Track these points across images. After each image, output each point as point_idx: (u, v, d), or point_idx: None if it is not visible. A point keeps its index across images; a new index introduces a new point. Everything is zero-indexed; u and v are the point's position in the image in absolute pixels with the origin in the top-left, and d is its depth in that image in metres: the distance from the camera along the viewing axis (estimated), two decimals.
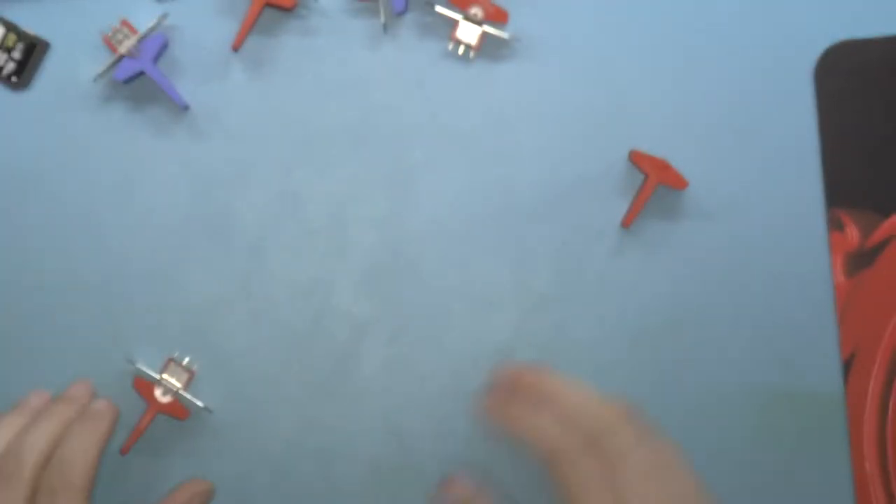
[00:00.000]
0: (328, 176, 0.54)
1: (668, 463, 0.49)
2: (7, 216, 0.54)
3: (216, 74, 0.54)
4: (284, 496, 0.53)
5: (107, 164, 0.54)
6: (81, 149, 0.54)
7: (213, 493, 0.53)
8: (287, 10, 0.53)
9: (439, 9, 0.53)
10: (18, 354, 0.53)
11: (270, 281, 0.54)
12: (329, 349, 0.53)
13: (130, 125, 0.54)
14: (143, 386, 0.52)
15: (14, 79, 0.54)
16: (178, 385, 0.52)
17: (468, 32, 0.53)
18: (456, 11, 0.53)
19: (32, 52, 0.54)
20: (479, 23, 0.53)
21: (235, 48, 0.53)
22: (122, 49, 0.52)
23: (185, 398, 0.52)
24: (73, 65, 0.54)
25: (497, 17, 0.53)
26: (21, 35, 0.54)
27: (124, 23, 0.52)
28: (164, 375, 0.52)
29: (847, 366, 0.53)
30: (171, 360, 0.52)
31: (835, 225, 0.53)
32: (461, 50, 0.54)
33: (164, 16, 0.53)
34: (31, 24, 0.54)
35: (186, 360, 0.52)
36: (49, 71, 0.54)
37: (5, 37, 0.53)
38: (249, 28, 0.53)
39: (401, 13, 0.53)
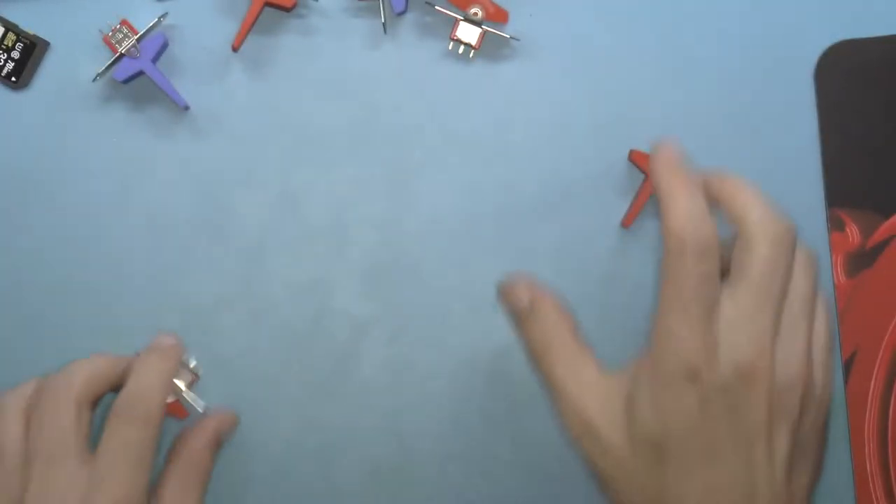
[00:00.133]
0: (328, 176, 0.54)
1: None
2: (6, 216, 0.54)
3: (216, 74, 0.54)
4: (284, 496, 0.53)
5: (106, 164, 0.54)
6: (81, 149, 0.54)
7: (237, 422, 0.53)
8: (287, 10, 0.53)
9: (439, 8, 0.53)
10: (18, 355, 0.53)
11: (270, 281, 0.53)
12: (329, 349, 0.53)
13: (130, 125, 0.54)
14: None
15: (13, 79, 0.54)
16: (182, 387, 0.52)
17: (468, 32, 0.53)
18: (456, 11, 0.53)
19: (32, 51, 0.54)
20: (479, 23, 0.53)
21: (235, 48, 0.53)
22: (122, 49, 0.52)
23: (186, 401, 0.52)
24: (73, 65, 0.54)
25: (497, 17, 0.53)
26: (20, 35, 0.53)
27: (124, 22, 0.52)
28: None
29: (847, 366, 0.53)
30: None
31: (835, 225, 0.53)
32: (461, 50, 0.54)
33: (164, 15, 0.53)
34: (31, 24, 0.54)
35: (193, 363, 0.52)
36: (49, 71, 0.54)
37: (4, 36, 0.53)
38: (249, 28, 0.53)
39: (401, 13, 0.53)
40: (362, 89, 0.54)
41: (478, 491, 0.53)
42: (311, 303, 0.53)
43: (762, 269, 0.46)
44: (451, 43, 0.54)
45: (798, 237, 0.47)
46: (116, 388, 0.49)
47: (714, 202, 0.47)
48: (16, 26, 0.54)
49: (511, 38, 0.54)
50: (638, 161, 0.53)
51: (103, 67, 0.53)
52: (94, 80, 0.53)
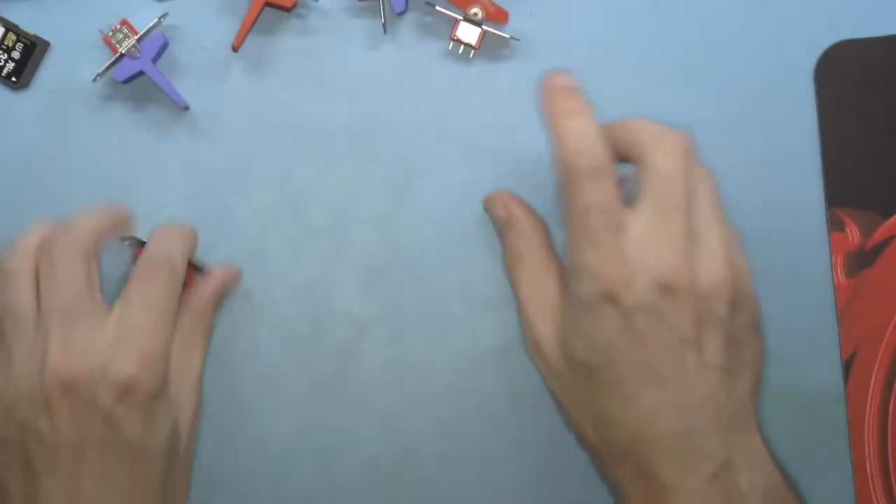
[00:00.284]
0: (328, 176, 0.54)
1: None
2: (6, 216, 0.54)
3: (216, 74, 0.54)
4: (284, 496, 0.53)
5: (106, 164, 0.54)
6: (81, 149, 0.53)
7: (239, 277, 0.53)
8: (287, 10, 0.53)
9: (439, 8, 0.53)
10: None
11: (270, 281, 0.53)
12: (329, 349, 0.53)
13: (130, 125, 0.54)
14: None
15: (13, 79, 0.54)
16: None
17: (468, 32, 0.53)
18: (456, 11, 0.53)
19: (32, 51, 0.54)
20: (479, 23, 0.53)
21: (235, 48, 0.53)
22: (122, 49, 0.52)
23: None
24: (73, 65, 0.54)
25: (497, 17, 0.53)
26: (20, 35, 0.53)
27: (124, 22, 0.52)
28: None
29: (847, 366, 0.53)
30: None
31: (835, 225, 0.53)
32: (461, 50, 0.54)
33: (164, 15, 0.53)
34: (31, 24, 0.54)
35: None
36: (49, 71, 0.54)
37: (5, 36, 0.53)
38: (249, 28, 0.53)
39: (401, 13, 0.53)
40: (362, 89, 0.54)
41: (477, 491, 0.53)
42: (311, 303, 0.53)
43: (663, 180, 0.46)
44: (451, 43, 0.54)
45: (694, 148, 0.47)
46: (117, 236, 0.50)
47: (614, 149, 0.47)
48: (16, 26, 0.54)
49: (511, 38, 0.54)
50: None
51: (103, 67, 0.53)
52: (95, 80, 0.53)
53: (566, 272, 0.48)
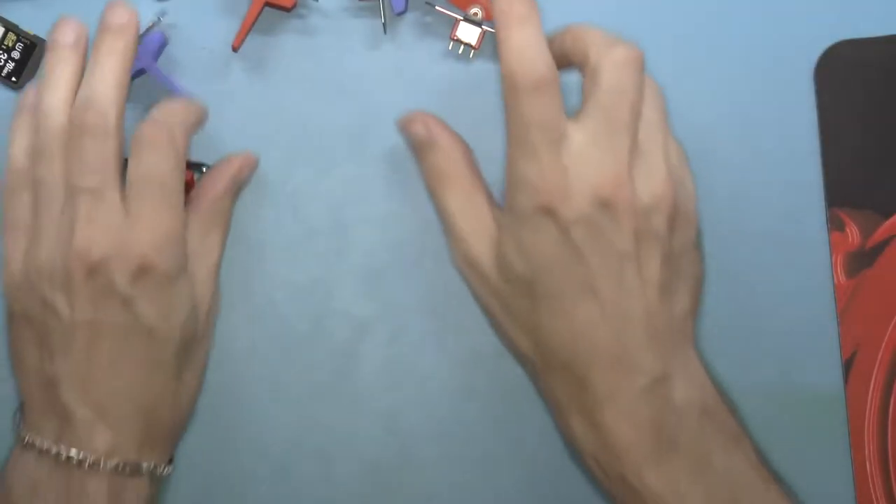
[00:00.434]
0: (328, 176, 0.54)
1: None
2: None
3: (216, 74, 0.54)
4: (284, 496, 0.53)
5: None
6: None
7: (255, 164, 0.53)
8: (287, 10, 0.53)
9: (439, 8, 0.53)
10: None
11: (270, 281, 0.53)
12: (329, 349, 0.53)
13: (130, 125, 0.54)
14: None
15: (13, 79, 0.54)
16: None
17: (468, 32, 0.53)
18: (456, 11, 0.53)
19: (32, 51, 0.54)
20: (479, 23, 0.53)
21: (235, 48, 0.53)
22: None
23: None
24: None
25: None
26: (20, 35, 0.53)
27: None
28: None
29: (847, 366, 0.53)
30: None
31: (835, 225, 0.53)
32: (461, 50, 0.54)
33: (163, 13, 0.53)
34: (31, 24, 0.54)
35: None
36: None
37: (5, 36, 0.53)
38: (249, 28, 0.53)
39: (401, 13, 0.53)
40: (362, 89, 0.54)
41: (477, 491, 0.53)
42: (311, 303, 0.53)
43: (609, 94, 0.46)
44: (451, 43, 0.54)
45: (643, 61, 0.47)
46: None
47: (562, 58, 0.47)
48: (16, 26, 0.54)
49: None
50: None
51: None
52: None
53: (489, 192, 0.49)
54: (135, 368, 0.47)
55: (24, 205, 0.48)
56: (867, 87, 0.54)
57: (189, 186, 0.51)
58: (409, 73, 0.54)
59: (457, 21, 0.53)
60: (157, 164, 0.47)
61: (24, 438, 0.47)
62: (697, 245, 0.49)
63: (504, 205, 0.48)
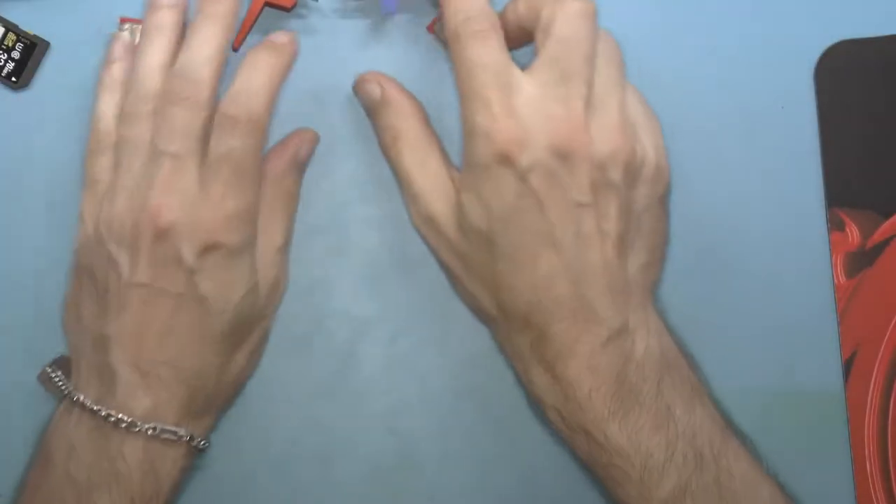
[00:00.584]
0: (328, 176, 0.54)
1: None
2: (6, 216, 0.54)
3: None
4: (284, 496, 0.53)
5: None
6: (81, 149, 0.53)
7: (316, 138, 0.53)
8: (287, 10, 0.53)
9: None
10: (16, 355, 0.53)
11: None
12: (329, 349, 0.53)
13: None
14: None
15: (13, 79, 0.54)
16: None
17: None
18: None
19: (32, 51, 0.54)
20: None
21: (235, 48, 0.53)
22: None
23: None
24: (73, 65, 0.54)
25: None
26: (20, 35, 0.53)
27: (124, 19, 0.52)
28: None
29: (847, 366, 0.53)
30: None
31: (835, 225, 0.53)
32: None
33: None
34: (31, 24, 0.54)
35: None
36: (49, 71, 0.54)
37: (5, 36, 0.53)
38: (249, 28, 0.53)
39: (388, 14, 0.53)
40: None
41: (477, 491, 0.53)
42: (311, 303, 0.53)
43: (562, 44, 0.46)
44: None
45: (596, 13, 0.47)
46: None
47: (518, 29, 0.48)
48: (16, 26, 0.54)
49: None
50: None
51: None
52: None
53: (444, 152, 0.50)
54: (183, 339, 0.47)
55: (106, 164, 0.49)
56: (867, 87, 0.54)
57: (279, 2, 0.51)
58: (409, 72, 0.54)
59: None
60: (234, 147, 0.47)
61: (69, 395, 0.48)
62: (663, 200, 0.49)
63: (462, 163, 0.48)
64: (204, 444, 0.49)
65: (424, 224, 0.50)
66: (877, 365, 0.53)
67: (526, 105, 0.45)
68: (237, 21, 0.49)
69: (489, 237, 0.47)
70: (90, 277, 0.49)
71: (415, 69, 0.54)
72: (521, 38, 0.49)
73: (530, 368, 0.48)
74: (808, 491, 0.50)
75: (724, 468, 0.46)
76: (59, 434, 0.48)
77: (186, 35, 0.49)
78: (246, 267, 0.48)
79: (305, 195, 0.54)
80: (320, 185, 0.54)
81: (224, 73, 0.49)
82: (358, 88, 0.53)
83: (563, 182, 0.45)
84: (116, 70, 0.51)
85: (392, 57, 0.54)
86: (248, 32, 0.53)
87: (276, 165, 0.51)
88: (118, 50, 0.51)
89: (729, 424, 0.48)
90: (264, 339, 0.52)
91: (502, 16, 0.49)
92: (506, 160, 0.45)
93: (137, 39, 0.51)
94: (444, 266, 0.51)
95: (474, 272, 0.49)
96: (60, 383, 0.49)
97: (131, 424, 0.46)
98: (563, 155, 0.45)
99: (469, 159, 0.47)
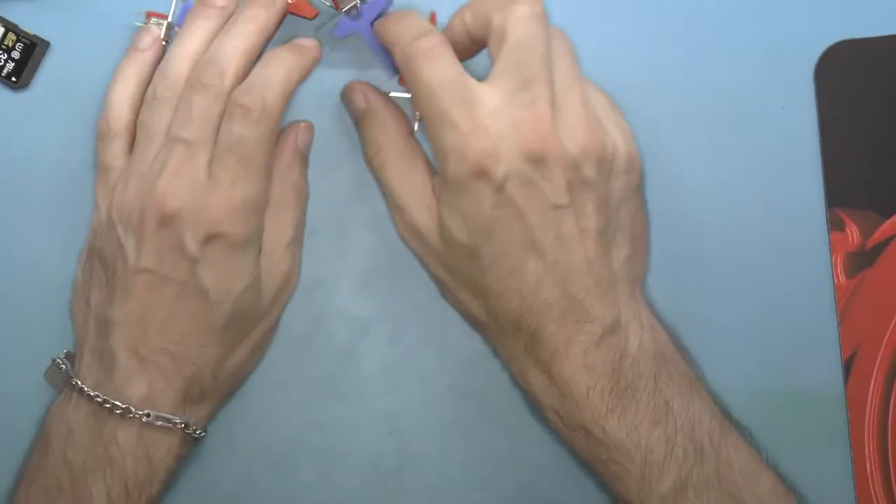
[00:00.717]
0: (328, 176, 0.54)
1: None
2: (6, 216, 0.54)
3: None
4: (284, 496, 0.53)
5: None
6: (81, 149, 0.53)
7: (312, 127, 0.53)
8: (309, 20, 0.52)
9: (394, 94, 0.53)
10: (18, 356, 0.53)
11: None
12: (329, 349, 0.53)
13: None
14: None
15: (13, 79, 0.54)
16: None
17: None
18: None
19: (32, 51, 0.54)
20: None
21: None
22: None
23: None
24: (73, 65, 0.54)
25: None
26: (20, 35, 0.53)
27: (150, 14, 0.52)
28: None
29: (847, 366, 0.53)
30: None
31: (835, 225, 0.53)
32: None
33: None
34: (31, 24, 0.54)
35: None
36: (49, 71, 0.54)
37: (5, 36, 0.53)
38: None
39: (342, 36, 0.52)
40: None
41: (477, 491, 0.53)
42: (311, 303, 0.53)
43: (518, 48, 0.46)
44: (416, 123, 0.52)
45: (545, 14, 0.47)
46: None
47: (469, 40, 0.48)
48: (16, 26, 0.54)
49: None
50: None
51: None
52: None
53: (430, 162, 0.50)
54: (184, 327, 0.47)
55: (118, 151, 0.49)
56: (867, 87, 0.54)
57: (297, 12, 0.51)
58: None
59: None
60: (244, 136, 0.47)
61: (70, 380, 0.48)
62: (637, 190, 0.49)
63: (438, 181, 0.48)
64: (200, 432, 0.49)
65: (410, 235, 0.50)
66: (877, 365, 0.53)
67: (491, 116, 0.45)
68: (273, 31, 0.49)
69: (472, 250, 0.47)
70: (100, 261, 0.49)
71: None
72: (471, 49, 0.49)
73: (526, 371, 0.48)
74: (808, 491, 0.50)
75: (724, 460, 0.46)
76: (58, 418, 0.48)
77: (223, 28, 0.49)
78: (249, 260, 0.48)
79: None
80: (320, 185, 0.54)
81: None
82: (344, 98, 0.53)
83: (539, 187, 0.45)
84: (139, 59, 0.51)
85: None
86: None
87: (281, 160, 0.51)
88: (146, 40, 0.51)
89: (727, 416, 0.48)
90: (269, 334, 0.52)
91: (450, 29, 0.49)
92: (481, 174, 0.45)
93: (163, 34, 0.52)
94: (432, 275, 0.51)
95: (462, 281, 0.49)
96: (64, 368, 0.50)
97: (126, 411, 0.47)
98: (537, 160, 0.45)
99: (443, 177, 0.47)
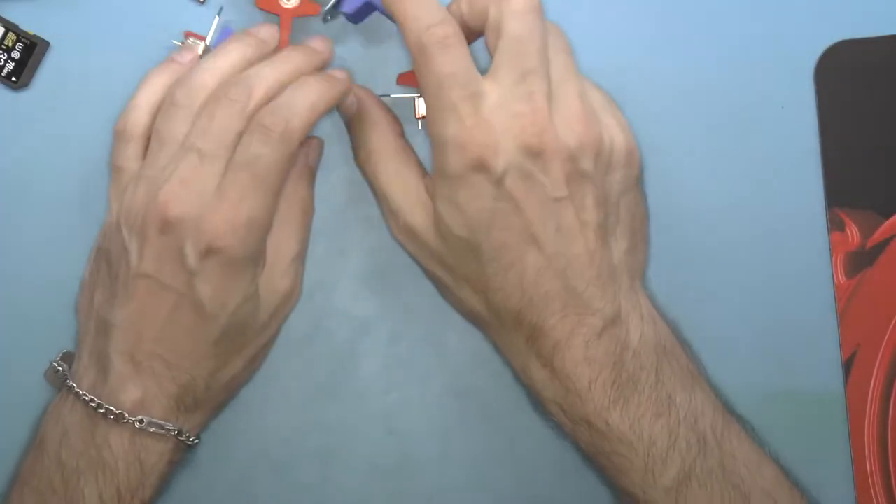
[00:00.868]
0: (328, 177, 0.54)
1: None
2: (6, 216, 0.54)
3: None
4: (284, 496, 0.53)
5: (107, 164, 0.53)
6: (81, 149, 0.53)
7: (322, 145, 0.53)
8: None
9: (394, 95, 0.53)
10: (18, 355, 0.53)
11: None
12: (329, 349, 0.53)
13: None
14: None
15: (13, 79, 0.54)
16: None
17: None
18: (409, 91, 0.52)
19: (32, 51, 0.54)
20: None
21: None
22: None
23: None
24: (73, 65, 0.54)
25: None
26: (20, 35, 0.53)
27: (188, 34, 0.52)
28: None
29: (847, 366, 0.53)
30: None
31: (835, 225, 0.53)
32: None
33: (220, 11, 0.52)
34: (31, 24, 0.54)
35: None
36: (49, 71, 0.54)
37: (5, 36, 0.53)
38: (286, 43, 0.52)
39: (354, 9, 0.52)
40: None
41: (477, 491, 0.53)
42: (311, 303, 0.53)
43: (516, 43, 0.46)
44: (420, 122, 0.52)
45: (541, 6, 0.47)
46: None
47: (465, 31, 0.48)
48: (16, 26, 0.54)
49: None
50: (407, 82, 0.52)
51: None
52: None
53: (421, 163, 0.50)
54: (179, 337, 0.47)
55: (132, 154, 0.49)
56: (867, 87, 0.54)
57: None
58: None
59: (414, 99, 0.52)
60: (261, 155, 0.46)
61: (66, 382, 0.48)
62: (636, 182, 0.49)
63: (433, 172, 0.48)
64: (193, 439, 0.49)
65: (405, 237, 0.50)
66: (877, 365, 0.53)
67: (492, 110, 0.46)
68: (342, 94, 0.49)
69: (471, 243, 0.47)
70: (107, 262, 0.49)
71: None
72: (468, 37, 0.49)
73: (528, 365, 0.48)
74: (808, 490, 0.50)
75: (727, 451, 0.46)
76: (54, 419, 0.48)
77: (265, 59, 0.49)
78: (247, 277, 0.48)
79: None
80: (320, 186, 0.54)
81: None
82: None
83: (538, 180, 0.46)
84: (172, 70, 0.50)
85: (392, 58, 0.54)
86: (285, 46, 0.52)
87: (290, 176, 0.51)
88: (187, 56, 0.51)
89: (729, 409, 0.48)
90: (267, 347, 0.52)
91: None
92: (480, 167, 0.46)
93: (200, 53, 0.51)
94: (429, 275, 0.51)
95: (460, 277, 0.49)
96: (60, 370, 0.50)
97: (119, 416, 0.47)
98: (535, 153, 0.45)
99: (441, 169, 0.47)
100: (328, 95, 0.48)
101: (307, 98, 0.47)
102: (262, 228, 0.47)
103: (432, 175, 0.48)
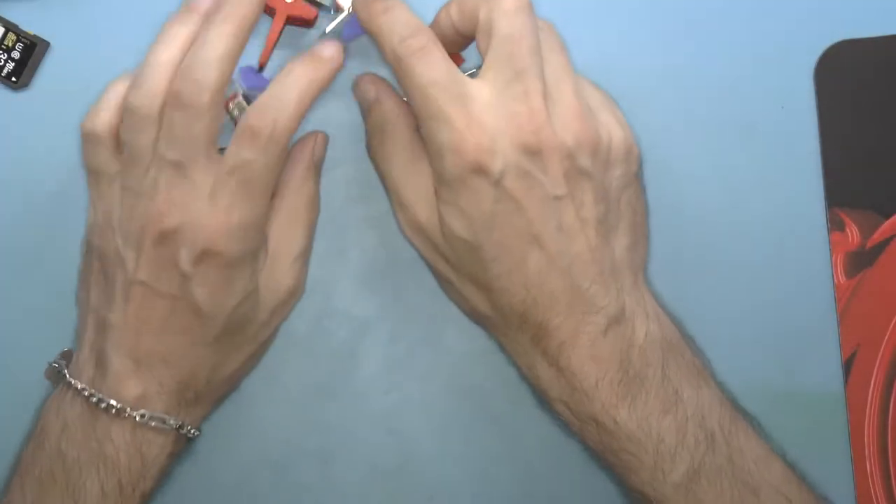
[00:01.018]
0: (328, 176, 0.54)
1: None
2: (5, 216, 0.54)
3: None
4: (284, 496, 0.53)
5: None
6: (81, 149, 0.53)
7: (326, 140, 0.53)
8: (310, 25, 0.52)
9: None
10: (22, 354, 0.53)
11: None
12: (329, 349, 0.53)
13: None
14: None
15: (13, 79, 0.54)
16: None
17: None
18: None
19: (32, 51, 0.54)
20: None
21: (262, 66, 0.52)
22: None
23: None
24: (73, 65, 0.54)
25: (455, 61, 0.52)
26: (20, 35, 0.53)
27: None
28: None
29: (847, 366, 0.53)
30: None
31: (835, 225, 0.53)
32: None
33: None
34: (31, 24, 0.54)
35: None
36: (49, 71, 0.54)
37: (5, 36, 0.53)
38: (274, 45, 0.51)
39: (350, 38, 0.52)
40: None
41: (477, 491, 0.53)
42: (311, 303, 0.53)
43: (507, 42, 0.46)
44: None
45: (532, 5, 0.47)
46: None
47: (457, 36, 0.48)
48: (16, 26, 0.54)
49: None
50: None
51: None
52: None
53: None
54: (177, 338, 0.47)
55: (106, 155, 0.49)
56: (867, 87, 0.54)
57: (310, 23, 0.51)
58: None
59: None
60: (250, 160, 0.46)
61: (66, 376, 0.48)
62: (638, 178, 0.49)
63: (434, 178, 0.48)
64: (194, 432, 0.49)
65: (413, 232, 0.50)
66: (877, 365, 0.53)
67: (486, 111, 0.46)
68: (251, 28, 0.47)
69: (474, 245, 0.47)
70: (99, 260, 0.49)
71: None
72: (459, 43, 0.49)
73: (534, 364, 0.48)
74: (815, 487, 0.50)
75: (735, 448, 0.46)
76: (53, 412, 0.48)
77: (198, 33, 0.47)
78: (244, 276, 0.48)
79: None
80: (320, 185, 0.54)
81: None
82: (355, 89, 0.53)
83: (537, 179, 0.46)
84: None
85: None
86: (272, 49, 0.52)
87: (296, 172, 0.51)
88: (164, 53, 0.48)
89: (736, 405, 0.48)
90: (267, 342, 0.52)
91: (436, 23, 0.49)
92: (479, 170, 0.45)
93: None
94: (434, 272, 0.51)
95: (466, 278, 0.49)
96: (58, 368, 0.50)
97: (120, 410, 0.47)
98: (533, 152, 0.45)
99: (441, 175, 0.47)
100: (317, 80, 0.47)
101: (293, 90, 0.46)
102: (257, 228, 0.48)
103: (433, 180, 0.48)
